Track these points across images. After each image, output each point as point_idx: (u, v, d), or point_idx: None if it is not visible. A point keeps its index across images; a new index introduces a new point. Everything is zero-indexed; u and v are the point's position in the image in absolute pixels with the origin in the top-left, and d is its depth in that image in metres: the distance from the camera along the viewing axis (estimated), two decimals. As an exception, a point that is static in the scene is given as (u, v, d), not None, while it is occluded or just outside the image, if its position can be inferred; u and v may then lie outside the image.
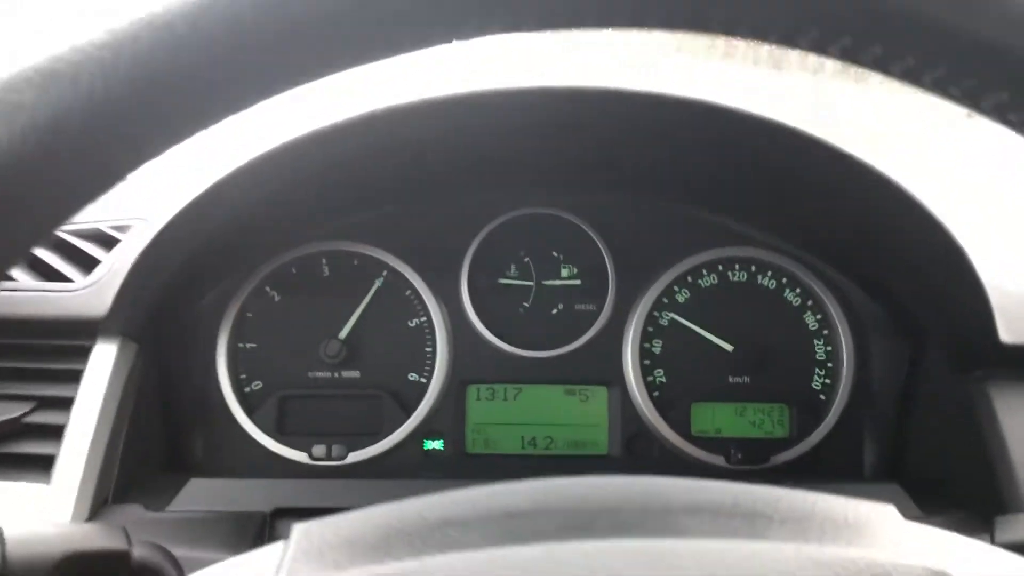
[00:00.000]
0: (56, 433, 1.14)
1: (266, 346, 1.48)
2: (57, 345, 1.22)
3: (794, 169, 1.25)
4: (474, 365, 1.50)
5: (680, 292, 1.50)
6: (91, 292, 1.24)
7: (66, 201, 0.45)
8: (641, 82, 1.19)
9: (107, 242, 1.31)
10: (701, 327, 1.49)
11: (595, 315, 1.51)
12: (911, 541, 0.52)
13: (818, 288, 1.47)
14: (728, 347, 1.48)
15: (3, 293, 1.24)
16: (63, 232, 1.33)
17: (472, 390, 1.50)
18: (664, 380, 1.49)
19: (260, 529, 1.14)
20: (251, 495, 1.22)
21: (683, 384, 1.48)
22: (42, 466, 1.11)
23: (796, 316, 1.49)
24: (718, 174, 1.39)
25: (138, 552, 0.79)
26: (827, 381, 1.48)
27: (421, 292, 1.48)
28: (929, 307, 1.32)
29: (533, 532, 0.51)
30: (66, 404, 1.16)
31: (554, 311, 1.52)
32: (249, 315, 1.47)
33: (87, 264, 1.29)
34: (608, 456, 1.48)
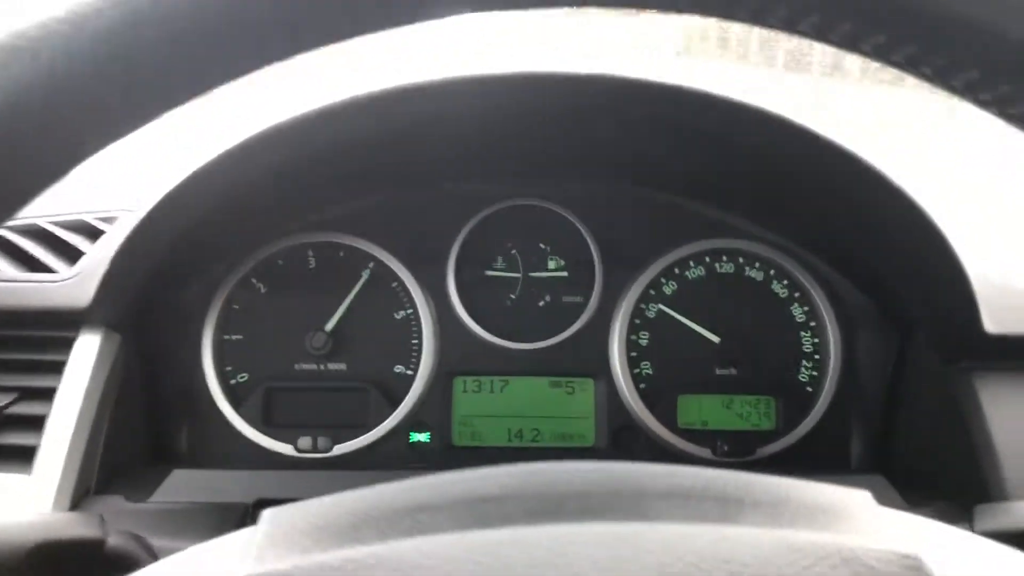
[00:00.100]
0: (38, 424, 1.13)
1: (252, 338, 1.47)
2: (40, 336, 1.22)
3: (781, 160, 1.25)
4: (461, 357, 1.49)
5: (667, 284, 1.50)
6: (74, 283, 1.23)
7: (29, 180, 0.45)
8: (628, 69, 1.19)
9: (93, 233, 1.31)
10: (688, 319, 1.48)
11: (582, 307, 1.50)
12: (884, 527, 0.52)
13: (805, 280, 1.47)
14: (715, 339, 1.47)
15: (-13, 284, 1.24)
16: (49, 223, 1.32)
17: (459, 382, 1.49)
18: (651, 372, 1.48)
19: (242, 520, 1.14)
20: (234, 486, 1.21)
21: (670, 376, 1.48)
22: (23, 457, 1.11)
23: (783, 308, 1.49)
24: (705, 165, 1.39)
25: (113, 541, 0.79)
26: (814, 373, 1.48)
27: (407, 284, 1.48)
28: (915, 298, 1.32)
29: (502, 516, 0.50)
30: (48, 395, 1.16)
31: (541, 303, 1.52)
32: (235, 307, 1.47)
33: (72, 255, 1.28)
34: (595, 448, 1.47)
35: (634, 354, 1.48)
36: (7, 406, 1.16)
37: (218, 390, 1.43)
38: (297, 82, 1.24)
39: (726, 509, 0.52)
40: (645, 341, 1.49)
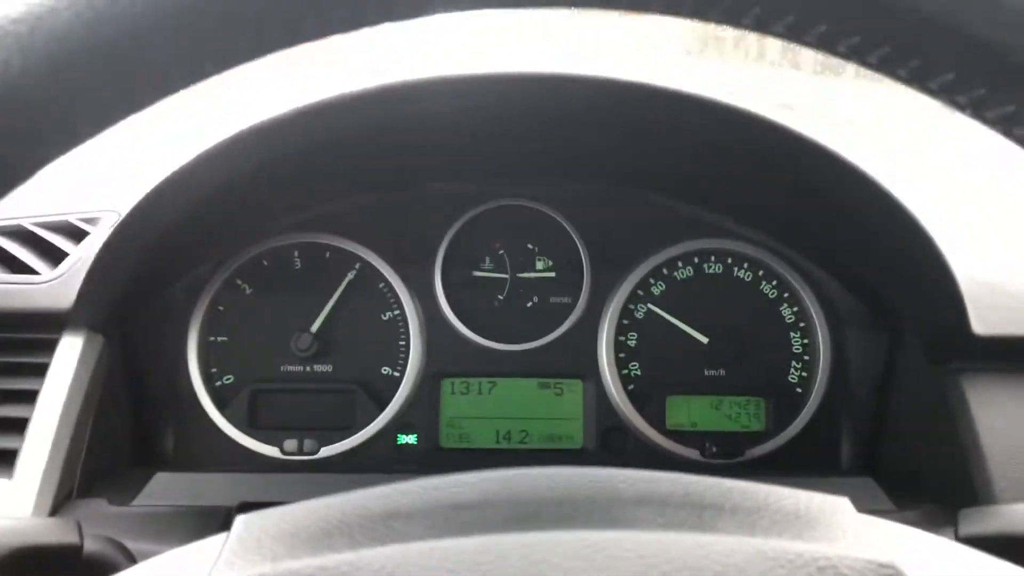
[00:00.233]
0: (20, 427, 1.12)
1: (237, 339, 1.46)
2: (22, 338, 1.21)
3: (769, 161, 1.25)
4: (448, 359, 1.49)
5: (655, 284, 1.49)
6: (57, 284, 1.23)
7: None
8: (617, 70, 1.19)
9: (76, 234, 1.30)
10: (677, 319, 1.48)
11: (570, 308, 1.50)
12: (862, 534, 0.51)
13: (794, 281, 1.47)
14: (704, 340, 1.47)
15: (-32, 287, 1.23)
16: (32, 224, 1.31)
17: (446, 384, 1.49)
18: (639, 373, 1.48)
19: (224, 524, 1.13)
20: (218, 490, 1.21)
21: (658, 377, 1.48)
22: (5, 460, 1.10)
23: (772, 309, 1.49)
24: (694, 166, 1.39)
25: (90, 546, 0.78)
26: (803, 374, 1.47)
27: (394, 285, 1.47)
28: (903, 299, 1.32)
29: (477, 524, 0.50)
30: (31, 398, 1.15)
31: (529, 304, 1.52)
32: (220, 308, 1.46)
33: (55, 257, 1.28)
34: (583, 450, 1.47)
35: (622, 355, 1.48)
36: (-12, 409, 1.15)
37: (203, 392, 1.42)
38: (283, 79, 1.23)
39: (702, 516, 0.51)
40: (633, 342, 1.48)
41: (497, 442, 1.48)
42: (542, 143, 1.39)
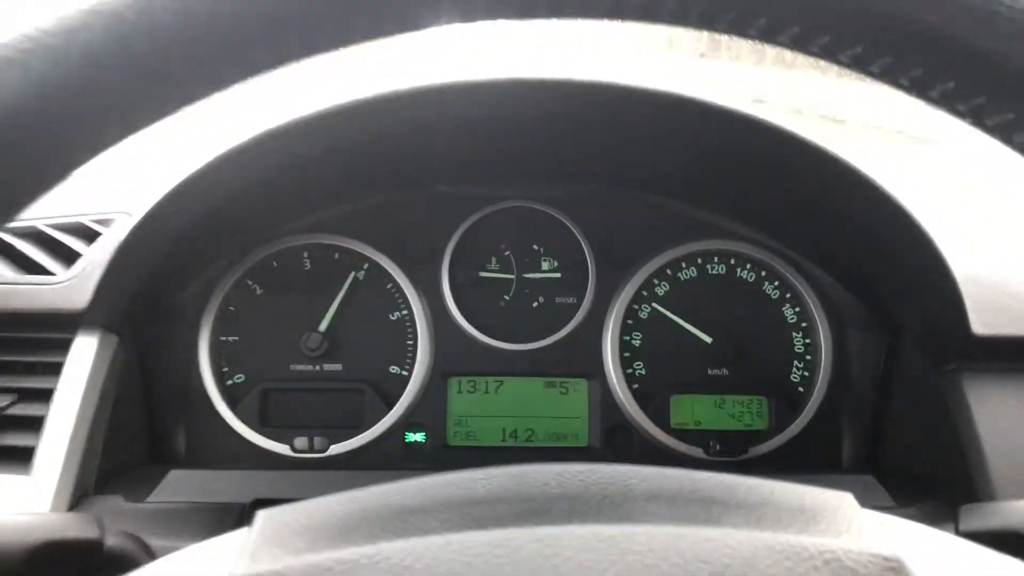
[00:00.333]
0: (36, 425, 1.14)
1: (248, 339, 1.48)
2: (38, 338, 1.23)
3: (770, 164, 1.26)
4: (455, 358, 1.50)
5: (659, 285, 1.51)
6: (72, 285, 1.24)
7: (20, 192, 0.45)
8: (623, 75, 1.20)
9: (89, 236, 1.32)
10: (681, 319, 1.50)
11: (575, 308, 1.51)
12: (866, 529, 0.52)
13: (796, 281, 1.48)
14: (707, 339, 1.49)
15: (-17, 287, 1.25)
16: (45, 225, 1.33)
17: (453, 383, 1.50)
18: (644, 372, 1.49)
19: (239, 520, 1.15)
20: (231, 487, 1.22)
21: (662, 376, 1.49)
22: (22, 458, 1.12)
23: (775, 309, 1.50)
24: (698, 169, 1.40)
25: (111, 541, 0.80)
26: (805, 374, 1.49)
27: (402, 285, 1.49)
28: (904, 300, 1.33)
29: (492, 518, 0.51)
30: (47, 396, 1.17)
31: (535, 304, 1.53)
32: (231, 308, 1.48)
33: (69, 257, 1.29)
34: (588, 448, 1.48)
35: (627, 354, 1.50)
36: (6, 407, 1.17)
37: (215, 391, 1.44)
38: (293, 84, 1.25)
39: (710, 511, 0.53)
40: (638, 342, 1.50)
41: (503, 440, 1.50)
42: (548, 146, 1.41)
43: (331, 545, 0.50)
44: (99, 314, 1.23)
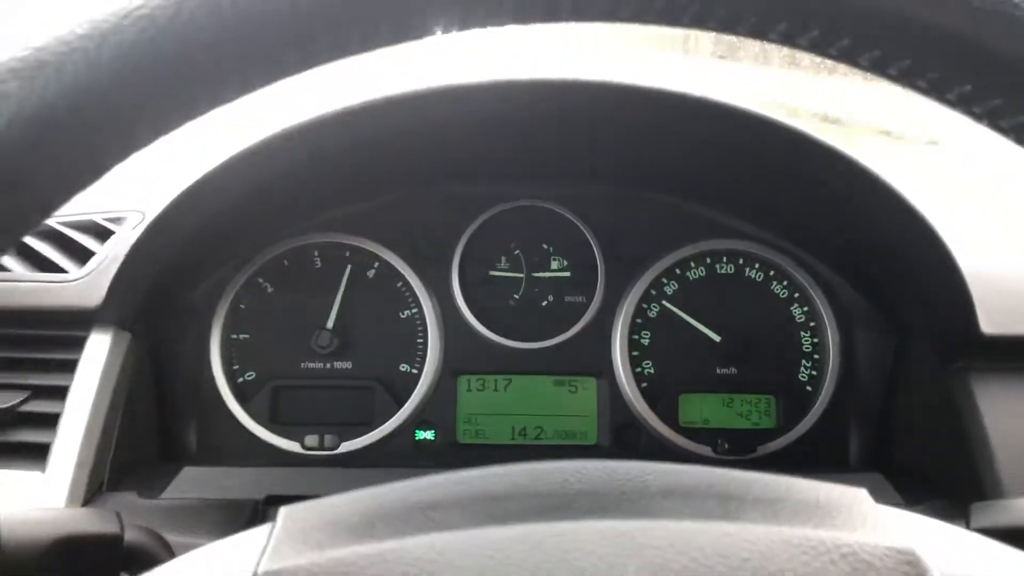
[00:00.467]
0: (51, 422, 1.15)
1: (259, 337, 1.49)
2: (52, 335, 1.24)
3: (780, 164, 1.27)
4: (465, 356, 1.51)
5: (668, 284, 1.51)
6: (86, 283, 1.25)
7: (52, 192, 0.46)
8: (631, 75, 1.21)
9: (102, 234, 1.33)
10: (689, 318, 1.50)
11: (584, 307, 1.52)
12: (881, 523, 0.53)
13: (804, 281, 1.49)
14: (716, 338, 1.49)
15: (-1, 284, 1.26)
16: (58, 224, 1.34)
17: (463, 381, 1.51)
18: (652, 371, 1.50)
19: (252, 516, 1.15)
20: (244, 483, 1.23)
21: (671, 375, 1.50)
22: (37, 454, 1.13)
23: (783, 308, 1.51)
24: (706, 168, 1.41)
25: (130, 536, 0.80)
26: (813, 373, 1.49)
27: (412, 284, 1.50)
28: (912, 300, 1.34)
29: (513, 513, 0.52)
30: (61, 393, 1.18)
31: (544, 303, 1.54)
32: (242, 306, 1.49)
33: (82, 255, 1.30)
34: (597, 446, 1.49)
35: (636, 353, 1.50)
36: (20, 404, 1.18)
37: (226, 388, 1.45)
38: (305, 85, 1.25)
39: (727, 506, 0.53)
40: (647, 340, 1.51)
41: (513, 438, 1.50)
42: (559, 146, 1.42)
43: (353, 541, 0.51)
44: (113, 312, 1.24)
